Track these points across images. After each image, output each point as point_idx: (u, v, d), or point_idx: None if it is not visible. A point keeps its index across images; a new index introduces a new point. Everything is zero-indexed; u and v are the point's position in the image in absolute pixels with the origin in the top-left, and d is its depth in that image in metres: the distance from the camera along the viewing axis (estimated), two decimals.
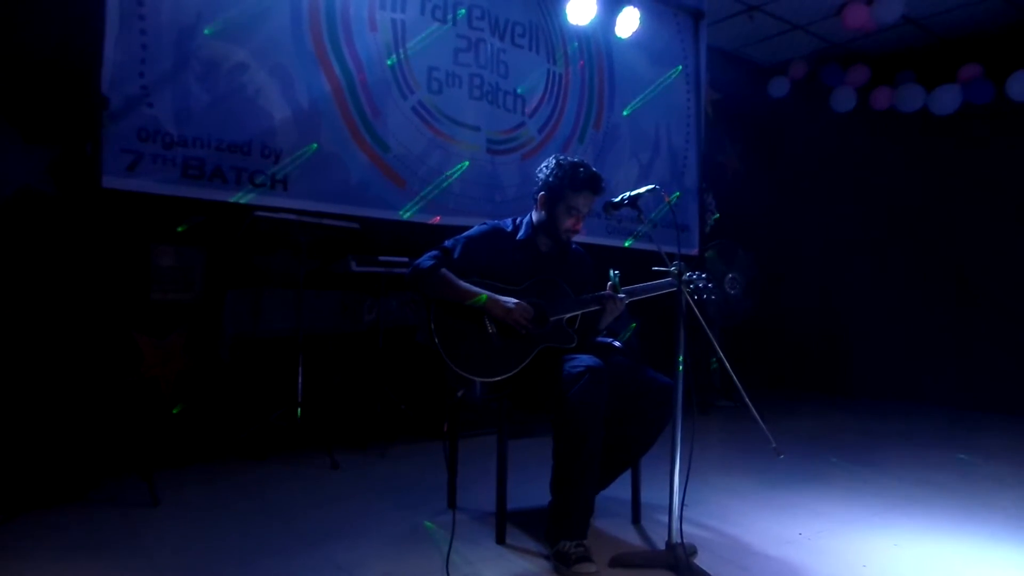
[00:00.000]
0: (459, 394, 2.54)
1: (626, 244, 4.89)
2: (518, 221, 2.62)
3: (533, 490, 2.63)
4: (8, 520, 2.39)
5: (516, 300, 2.36)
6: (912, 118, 5.79)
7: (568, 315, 2.46)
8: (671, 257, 2.25)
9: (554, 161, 2.52)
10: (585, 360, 2.22)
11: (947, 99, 5.53)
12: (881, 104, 5.89)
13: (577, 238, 2.66)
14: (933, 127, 5.75)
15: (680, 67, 5.49)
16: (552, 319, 2.42)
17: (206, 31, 3.29)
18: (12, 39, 3.03)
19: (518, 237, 2.57)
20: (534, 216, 2.57)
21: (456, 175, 4.20)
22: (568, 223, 2.50)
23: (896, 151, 6.08)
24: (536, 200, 2.55)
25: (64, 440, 2.91)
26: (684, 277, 2.26)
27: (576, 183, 2.45)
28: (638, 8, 4.74)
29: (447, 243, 2.51)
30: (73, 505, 2.63)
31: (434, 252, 2.46)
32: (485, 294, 2.35)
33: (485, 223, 2.64)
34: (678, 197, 5.49)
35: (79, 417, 2.98)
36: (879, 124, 6.04)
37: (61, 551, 2.20)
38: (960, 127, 5.63)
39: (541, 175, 2.54)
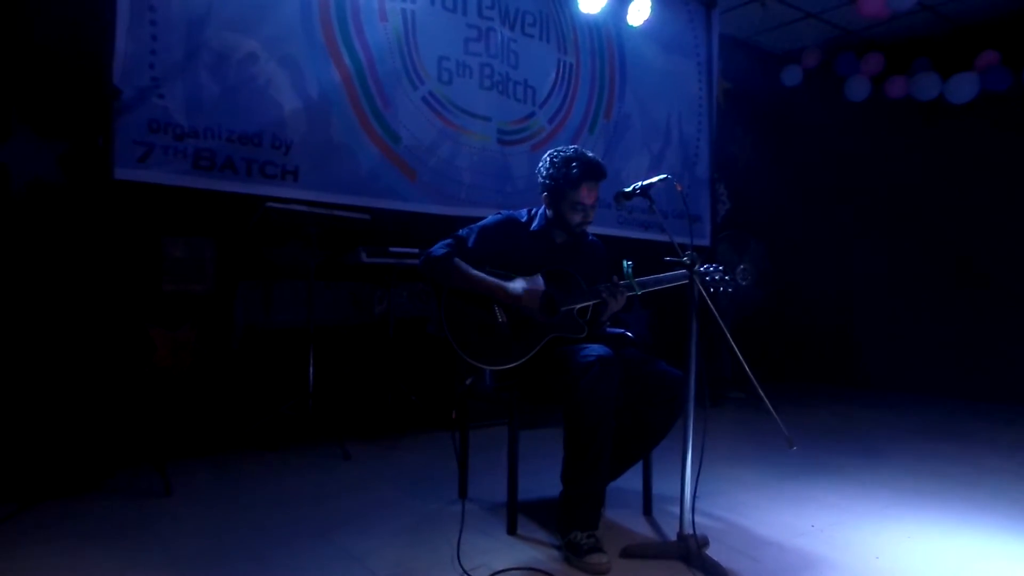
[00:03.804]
0: (467, 382, 2.54)
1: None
2: (533, 212, 2.61)
3: (544, 480, 2.63)
4: (25, 509, 2.41)
5: (526, 285, 2.35)
6: (928, 107, 5.71)
7: (578, 305, 2.45)
8: (683, 248, 2.23)
9: (548, 159, 2.50)
10: (596, 350, 2.21)
11: (964, 87, 5.44)
12: (896, 93, 5.81)
13: (589, 228, 2.64)
14: (949, 116, 5.67)
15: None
16: (562, 309, 2.41)
17: None
18: (23, 31, 3.04)
19: (532, 228, 2.55)
20: (546, 210, 2.56)
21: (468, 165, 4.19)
22: (576, 218, 2.48)
23: (911, 140, 6.01)
24: (542, 198, 2.55)
25: (79, 430, 2.94)
26: (700, 269, 2.24)
27: (572, 179, 2.41)
28: None
29: (461, 232, 2.50)
30: (88, 494, 2.66)
31: (448, 241, 2.45)
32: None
33: (499, 213, 2.63)
34: (687, 188, 5.45)
35: (93, 408, 3.01)
36: (894, 113, 5.97)
37: (77, 539, 2.23)
38: (977, 115, 5.55)
39: (540, 175, 2.52)
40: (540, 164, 2.53)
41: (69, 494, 2.63)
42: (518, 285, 2.36)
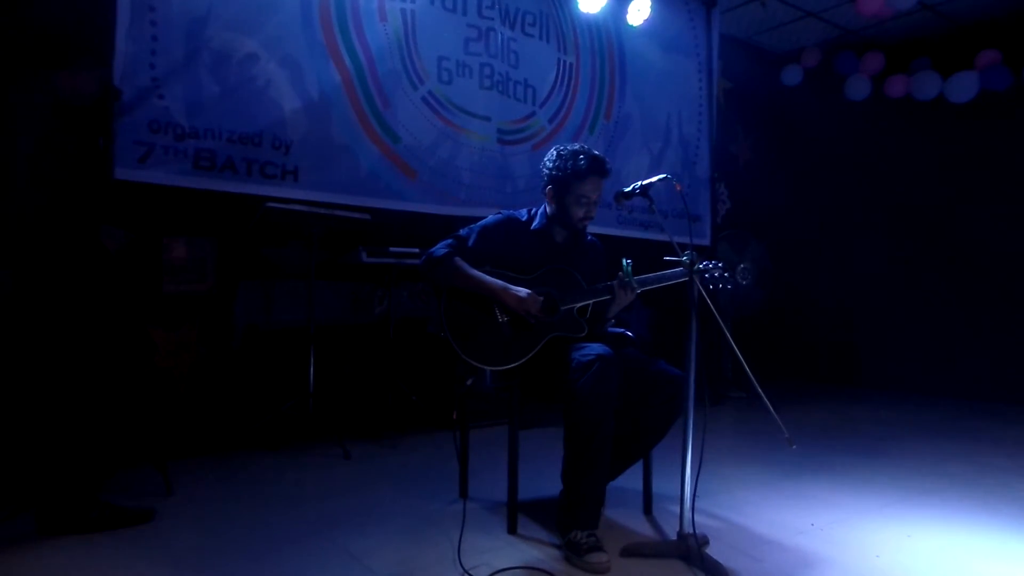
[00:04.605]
0: (468, 383, 2.54)
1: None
2: (533, 211, 2.61)
3: (544, 480, 2.64)
4: (27, 509, 2.41)
5: (528, 290, 2.35)
6: (928, 106, 5.71)
7: (579, 304, 2.46)
8: (683, 247, 2.24)
9: (554, 153, 2.51)
10: (596, 349, 2.21)
11: (964, 86, 5.44)
12: (896, 92, 5.81)
13: (589, 228, 2.64)
14: (949, 115, 5.67)
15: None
16: (563, 308, 2.42)
17: None
18: (23, 31, 3.03)
19: (532, 227, 2.56)
20: (547, 208, 2.57)
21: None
22: (580, 212, 2.49)
23: (911, 140, 6.01)
24: (545, 194, 2.55)
25: (79, 431, 2.93)
26: (699, 266, 2.24)
27: (580, 171, 2.43)
28: None
29: (461, 232, 2.51)
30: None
31: (448, 241, 2.46)
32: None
33: (500, 213, 2.63)
34: (687, 188, 5.44)
35: (94, 408, 3.00)
36: (894, 113, 5.97)
37: (77, 539, 2.23)
38: (977, 115, 5.55)
39: (544, 169, 2.53)
40: (545, 158, 2.54)
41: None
42: (519, 287, 2.37)
